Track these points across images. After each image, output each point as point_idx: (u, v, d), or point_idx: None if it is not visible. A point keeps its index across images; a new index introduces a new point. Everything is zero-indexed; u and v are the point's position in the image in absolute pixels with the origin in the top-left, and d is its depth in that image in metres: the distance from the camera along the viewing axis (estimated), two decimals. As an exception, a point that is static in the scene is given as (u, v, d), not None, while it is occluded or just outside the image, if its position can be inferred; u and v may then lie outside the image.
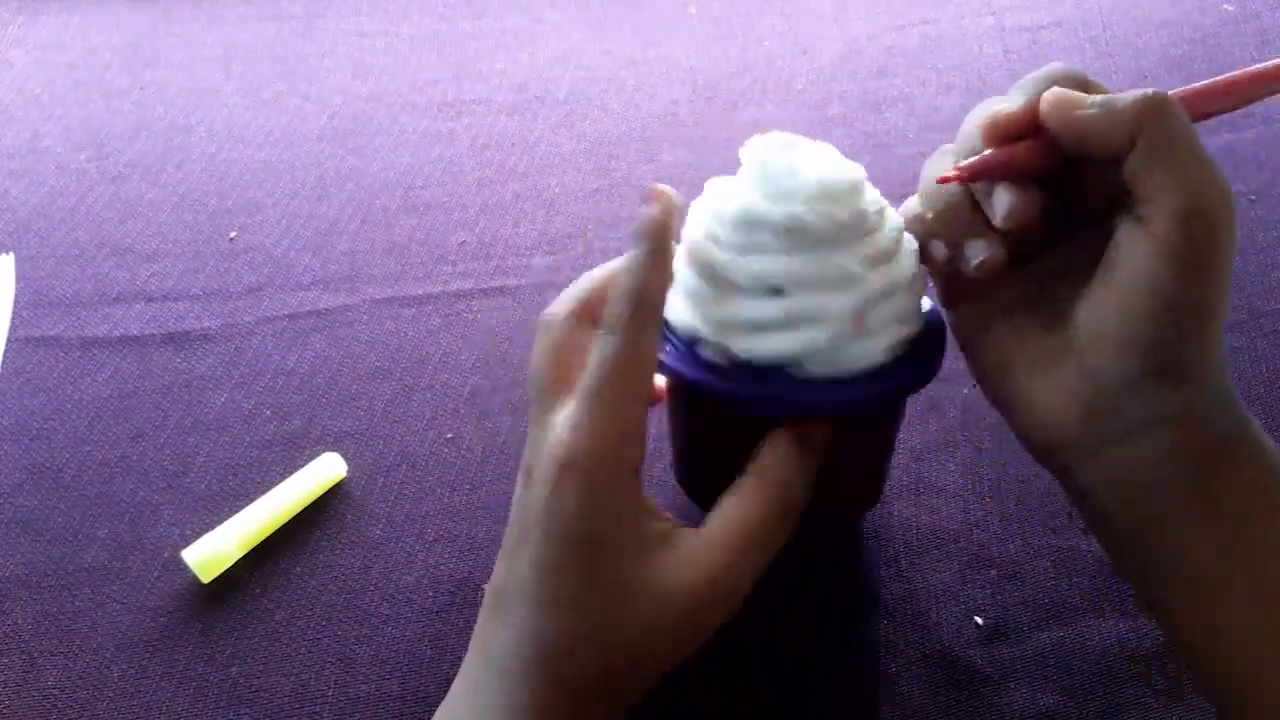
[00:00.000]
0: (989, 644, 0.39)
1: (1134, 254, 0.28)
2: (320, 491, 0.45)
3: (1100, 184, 0.30)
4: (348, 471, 0.46)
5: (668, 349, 0.33)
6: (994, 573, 0.41)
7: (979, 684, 0.38)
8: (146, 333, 0.54)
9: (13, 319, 0.55)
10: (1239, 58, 0.65)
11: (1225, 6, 0.70)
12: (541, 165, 0.63)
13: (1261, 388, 0.47)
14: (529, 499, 0.30)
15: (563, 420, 0.29)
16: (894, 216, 0.34)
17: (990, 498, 0.44)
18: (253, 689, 0.39)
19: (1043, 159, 0.30)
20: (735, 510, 0.31)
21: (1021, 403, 0.31)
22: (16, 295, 0.56)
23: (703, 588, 0.29)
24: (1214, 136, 0.59)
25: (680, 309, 0.33)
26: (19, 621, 0.42)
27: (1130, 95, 0.28)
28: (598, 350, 0.29)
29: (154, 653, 0.40)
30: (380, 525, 0.44)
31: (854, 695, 0.38)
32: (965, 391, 0.48)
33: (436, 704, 0.39)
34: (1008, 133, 0.30)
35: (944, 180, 0.31)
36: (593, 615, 0.29)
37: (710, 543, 0.30)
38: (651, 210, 0.31)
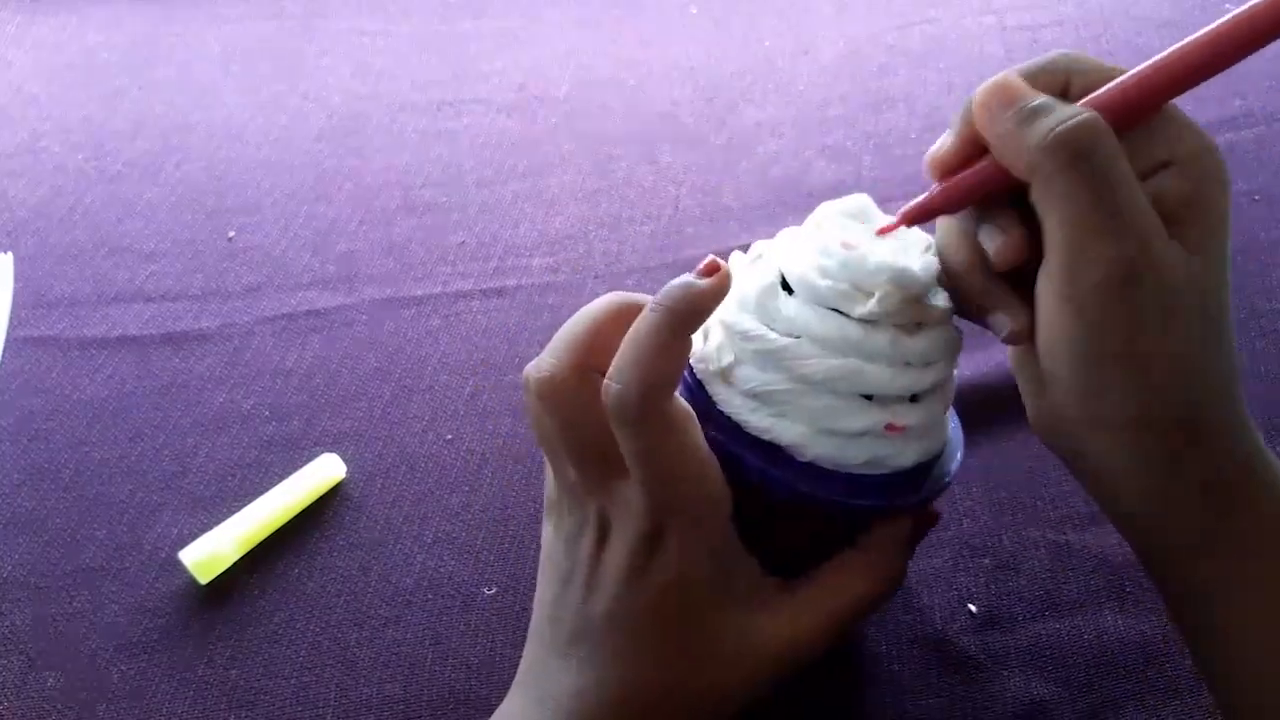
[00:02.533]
0: (982, 632, 0.39)
1: (1048, 308, 0.27)
2: (319, 493, 0.45)
3: None
4: (346, 473, 0.46)
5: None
6: (987, 561, 0.41)
7: (971, 669, 0.38)
8: (145, 333, 0.53)
9: (11, 319, 0.55)
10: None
11: (1226, 6, 0.70)
12: (541, 165, 0.63)
13: (1261, 387, 0.46)
14: (609, 552, 0.29)
15: (635, 492, 0.28)
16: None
17: (980, 488, 0.44)
18: (253, 691, 0.39)
19: (999, 178, 0.27)
20: (839, 581, 0.30)
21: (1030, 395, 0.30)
22: (15, 295, 0.56)
23: (788, 650, 0.29)
24: (1215, 136, 0.58)
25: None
26: (18, 622, 0.41)
27: (1041, 127, 0.25)
28: (630, 442, 0.27)
29: (153, 654, 0.40)
30: (379, 527, 0.44)
31: (842, 673, 0.38)
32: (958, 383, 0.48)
33: (439, 707, 0.39)
34: (949, 166, 0.28)
35: (883, 232, 0.29)
36: (682, 669, 0.28)
37: (808, 607, 0.30)
38: (703, 283, 0.27)
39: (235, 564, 0.43)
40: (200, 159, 0.65)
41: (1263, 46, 0.25)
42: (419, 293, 0.55)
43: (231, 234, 0.59)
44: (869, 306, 0.29)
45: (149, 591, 0.42)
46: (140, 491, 0.46)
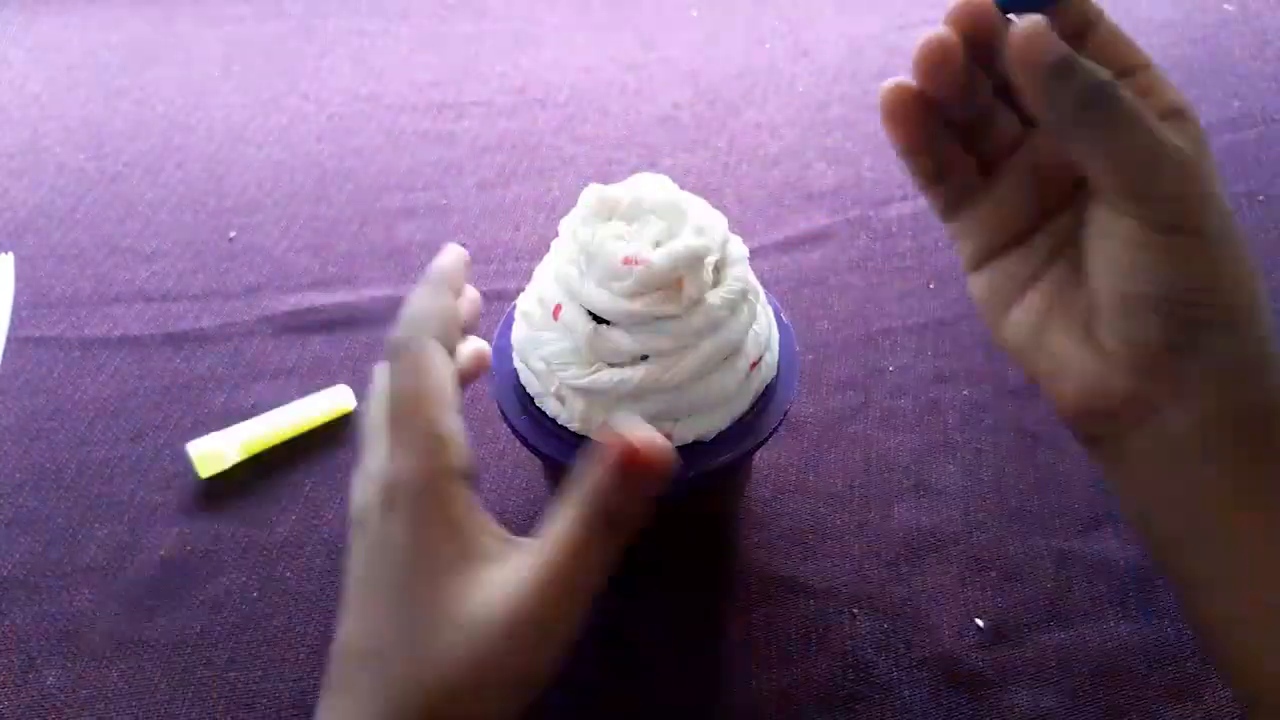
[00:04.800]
0: (990, 646, 0.39)
1: (1110, 230, 0.26)
2: (328, 419, 0.48)
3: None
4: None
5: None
6: (994, 574, 0.41)
7: (980, 686, 0.38)
8: (146, 333, 0.53)
9: (12, 319, 0.55)
10: (1239, 58, 0.65)
11: (1226, 6, 0.70)
12: (542, 168, 0.63)
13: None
14: (357, 548, 0.29)
15: (380, 457, 0.29)
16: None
17: (990, 499, 0.44)
18: (251, 693, 0.39)
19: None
20: (553, 528, 0.28)
21: (1058, 369, 0.29)
22: (16, 295, 0.56)
23: (517, 605, 0.27)
24: (1215, 137, 0.59)
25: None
26: (19, 621, 0.42)
27: (1074, 91, 0.25)
28: (383, 379, 0.30)
29: (153, 655, 0.40)
30: (380, 527, 0.44)
31: (858, 708, 0.38)
32: (965, 393, 0.48)
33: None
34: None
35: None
36: (417, 635, 0.27)
37: (530, 560, 0.28)
38: (444, 258, 0.35)
39: (234, 565, 0.43)
40: (200, 159, 0.65)
41: None
42: (419, 294, 0.55)
43: (232, 234, 0.59)
44: (691, 291, 0.33)
45: (149, 591, 0.42)
46: (141, 491, 0.46)
